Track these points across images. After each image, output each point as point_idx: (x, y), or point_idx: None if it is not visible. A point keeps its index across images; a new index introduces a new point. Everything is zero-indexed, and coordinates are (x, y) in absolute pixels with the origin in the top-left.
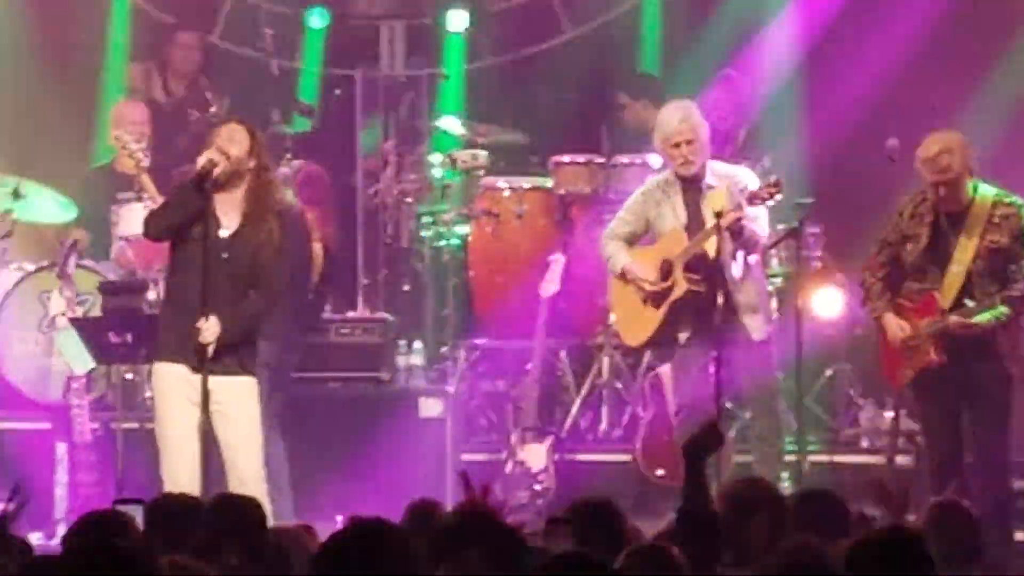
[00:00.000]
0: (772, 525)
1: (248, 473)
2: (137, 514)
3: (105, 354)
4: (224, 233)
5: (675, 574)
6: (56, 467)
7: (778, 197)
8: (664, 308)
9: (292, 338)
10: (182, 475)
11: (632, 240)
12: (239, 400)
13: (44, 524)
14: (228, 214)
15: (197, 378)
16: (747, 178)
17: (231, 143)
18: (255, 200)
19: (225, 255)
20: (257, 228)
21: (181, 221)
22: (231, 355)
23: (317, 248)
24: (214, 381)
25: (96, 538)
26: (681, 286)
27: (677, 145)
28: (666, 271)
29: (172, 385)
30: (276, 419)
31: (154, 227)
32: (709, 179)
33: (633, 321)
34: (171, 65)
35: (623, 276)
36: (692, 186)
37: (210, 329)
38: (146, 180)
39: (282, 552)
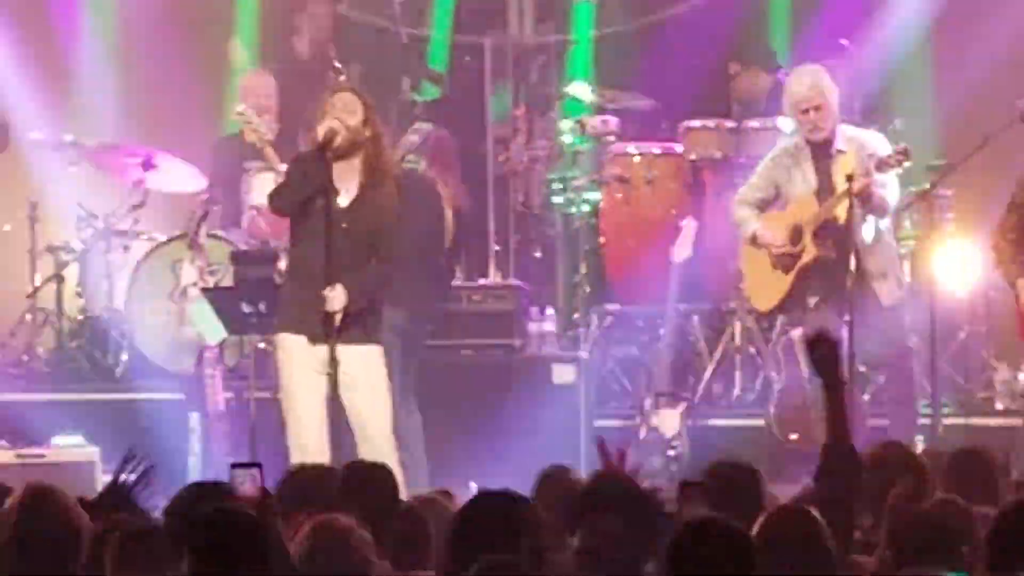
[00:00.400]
0: (915, 488)
1: (378, 440)
2: (253, 479)
3: (237, 324)
4: (343, 203)
5: (816, 538)
6: (189, 437)
7: (906, 164)
8: (793, 273)
9: (425, 306)
10: (310, 445)
11: (763, 205)
12: (365, 369)
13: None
14: (346, 184)
15: (320, 348)
16: (877, 143)
17: (348, 113)
18: (371, 169)
19: (344, 224)
20: (375, 196)
21: (306, 194)
22: (355, 324)
23: (449, 215)
24: (339, 351)
25: (201, 506)
26: (810, 251)
27: (806, 111)
28: (796, 236)
29: (296, 356)
30: (411, 388)
31: (279, 202)
32: (839, 144)
33: (763, 286)
34: (302, 33)
35: (753, 241)
36: (822, 151)
37: (337, 297)
38: (270, 153)
39: (418, 519)
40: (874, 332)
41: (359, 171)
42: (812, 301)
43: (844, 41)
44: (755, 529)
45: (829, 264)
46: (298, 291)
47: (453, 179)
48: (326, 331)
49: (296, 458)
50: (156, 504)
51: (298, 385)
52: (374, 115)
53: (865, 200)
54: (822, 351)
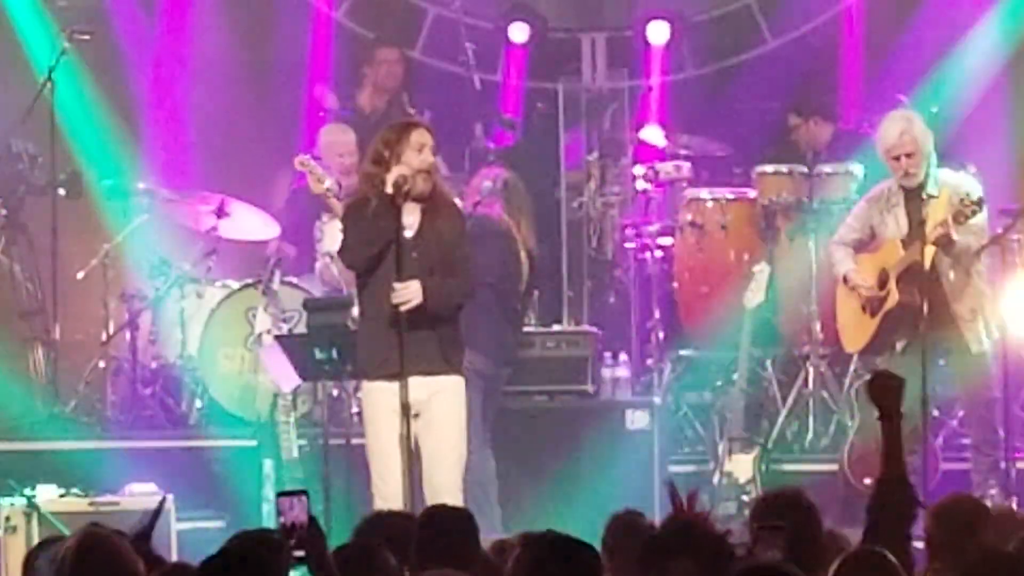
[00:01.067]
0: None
1: (445, 483)
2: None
3: (311, 371)
4: (409, 234)
5: None
6: (264, 484)
7: (980, 216)
8: (879, 316)
9: (504, 350)
10: (394, 491)
11: (858, 246)
12: (443, 401)
13: None
14: (408, 215)
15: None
16: (969, 186)
17: (429, 152)
18: (432, 198)
19: (414, 254)
20: (438, 223)
21: (380, 246)
22: (433, 350)
23: (524, 257)
24: (418, 382)
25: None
26: (894, 296)
27: (897, 158)
28: (883, 280)
29: (378, 399)
30: (489, 433)
31: (354, 258)
32: (931, 188)
33: (853, 327)
34: (374, 81)
35: (844, 282)
36: (913, 195)
37: (408, 287)
38: (334, 203)
39: (494, 567)
40: (958, 378)
41: (419, 205)
42: (900, 345)
43: (902, 97)
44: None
45: (914, 309)
46: (374, 333)
47: (526, 222)
48: (398, 351)
49: (379, 504)
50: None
51: (380, 429)
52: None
53: (945, 247)
54: (882, 382)
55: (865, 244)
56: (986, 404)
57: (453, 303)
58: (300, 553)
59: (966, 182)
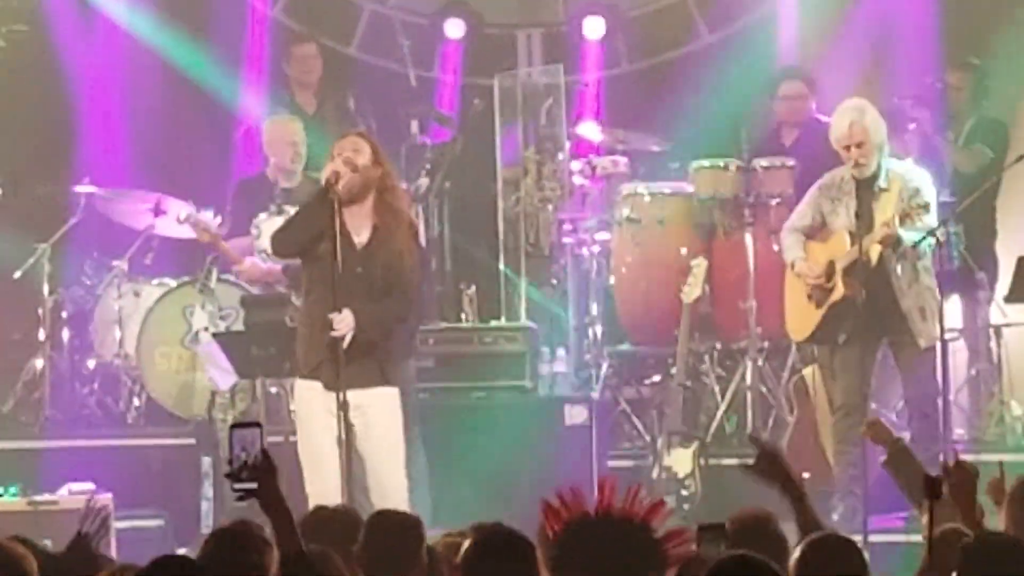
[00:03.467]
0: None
1: (391, 485)
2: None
3: (248, 368)
4: (358, 246)
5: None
6: (202, 482)
7: (926, 218)
8: (824, 308)
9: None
10: (328, 489)
11: (810, 233)
12: (380, 412)
13: (190, 539)
14: (359, 228)
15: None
16: (920, 181)
17: (354, 152)
18: (384, 211)
19: (359, 269)
20: (389, 238)
21: (307, 237)
22: (371, 366)
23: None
24: (355, 394)
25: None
26: (839, 290)
27: (848, 148)
28: (829, 272)
29: (311, 401)
30: (416, 428)
31: (280, 243)
32: (882, 181)
33: (798, 316)
34: (295, 78)
35: (792, 268)
36: (865, 187)
37: (344, 320)
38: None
39: (434, 567)
40: (905, 372)
41: (371, 214)
42: (841, 337)
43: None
44: (795, 557)
45: (858, 303)
46: (310, 337)
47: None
48: (335, 358)
49: (313, 502)
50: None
51: (313, 430)
52: (383, 156)
53: (893, 246)
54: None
55: (816, 231)
56: (931, 401)
57: (389, 325)
58: (252, 485)
59: (917, 176)
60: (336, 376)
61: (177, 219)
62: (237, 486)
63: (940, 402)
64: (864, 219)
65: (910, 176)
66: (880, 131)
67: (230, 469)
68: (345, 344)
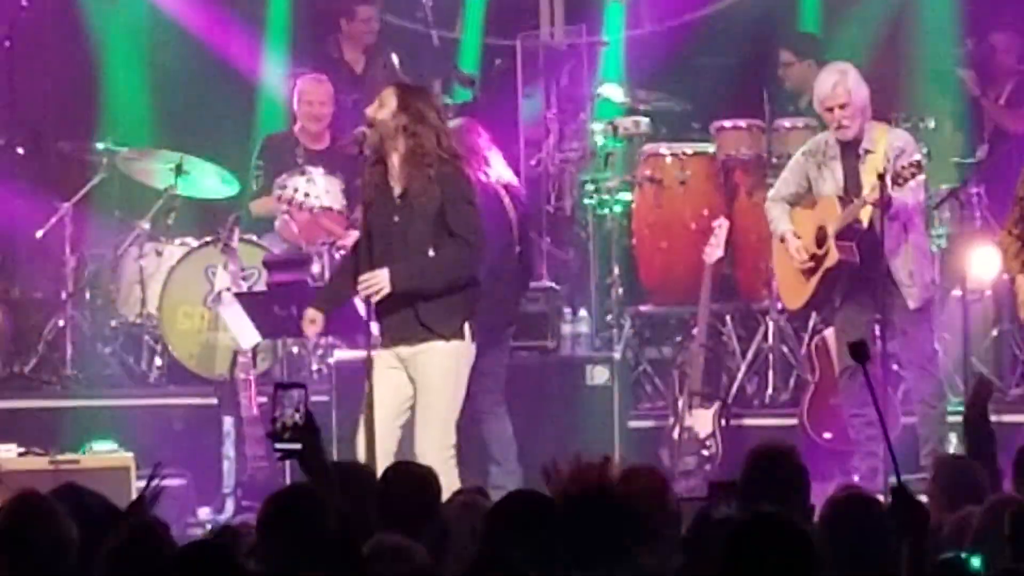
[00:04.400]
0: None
1: (426, 444)
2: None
3: (270, 328)
4: (395, 198)
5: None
6: (224, 441)
7: (920, 177)
8: (818, 275)
9: (502, 307)
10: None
11: (795, 200)
12: (425, 363)
13: (212, 499)
14: (397, 178)
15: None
16: (903, 142)
17: (378, 108)
18: (412, 156)
19: (396, 218)
20: (422, 184)
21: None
22: (410, 320)
23: (509, 208)
24: (402, 351)
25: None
26: (833, 255)
27: (831, 109)
28: (821, 238)
29: (375, 360)
30: (500, 393)
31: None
32: (866, 143)
33: (792, 285)
34: (350, 35)
35: (782, 241)
36: (849, 150)
37: (368, 281)
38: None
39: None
40: (900, 333)
41: (402, 163)
42: (837, 301)
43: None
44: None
45: (853, 267)
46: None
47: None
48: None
49: (362, 457)
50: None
51: (377, 385)
52: (414, 100)
53: (884, 207)
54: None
55: (801, 197)
56: (929, 359)
57: (441, 278)
58: (295, 446)
59: (902, 139)
60: (382, 334)
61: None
62: (279, 446)
63: (941, 359)
64: (852, 182)
65: (892, 137)
66: (863, 93)
67: (272, 428)
68: (375, 299)
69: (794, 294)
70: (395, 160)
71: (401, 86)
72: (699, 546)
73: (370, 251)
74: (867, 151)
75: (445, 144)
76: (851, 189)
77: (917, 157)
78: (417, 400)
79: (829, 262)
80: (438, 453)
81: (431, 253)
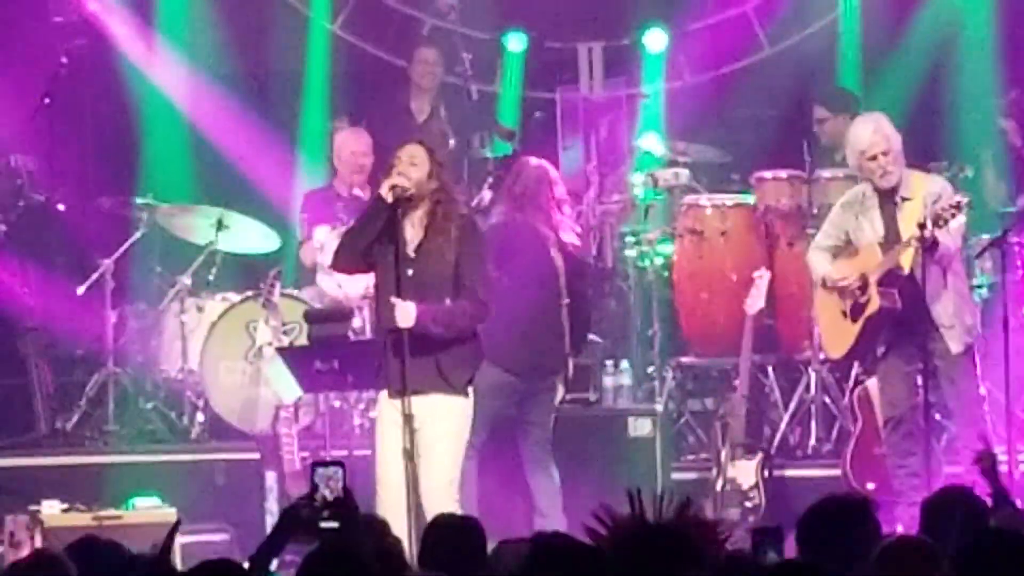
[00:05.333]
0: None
1: (439, 493)
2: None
3: (312, 382)
4: (409, 252)
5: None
6: (266, 496)
7: (961, 218)
8: (860, 322)
9: (543, 359)
10: (391, 499)
11: (836, 252)
12: (435, 420)
13: None
14: (411, 234)
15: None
16: (940, 188)
17: (412, 166)
18: (434, 217)
19: (410, 272)
20: (439, 243)
21: (363, 244)
22: (429, 369)
23: (557, 259)
24: (416, 401)
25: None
26: (874, 302)
27: (873, 157)
28: (862, 285)
29: (383, 410)
30: (548, 444)
31: (339, 257)
32: (904, 191)
33: (834, 333)
34: (413, 83)
35: (823, 284)
36: (888, 198)
37: (404, 310)
38: None
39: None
40: (944, 379)
41: (422, 221)
42: (880, 350)
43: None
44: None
45: (895, 313)
46: (380, 347)
47: (555, 211)
48: (397, 350)
49: (380, 510)
50: None
51: (383, 439)
52: (441, 168)
53: (926, 250)
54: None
55: (841, 250)
56: (975, 405)
57: (455, 326)
58: (334, 524)
59: (939, 184)
60: (401, 379)
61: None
62: (322, 525)
63: (986, 407)
64: (891, 230)
65: (930, 184)
66: (898, 139)
67: (311, 508)
68: (398, 324)
69: (837, 342)
70: (416, 217)
71: (429, 148)
72: None
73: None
74: (904, 199)
75: (456, 212)
76: (890, 237)
77: (958, 198)
78: (426, 453)
79: (871, 309)
80: (449, 507)
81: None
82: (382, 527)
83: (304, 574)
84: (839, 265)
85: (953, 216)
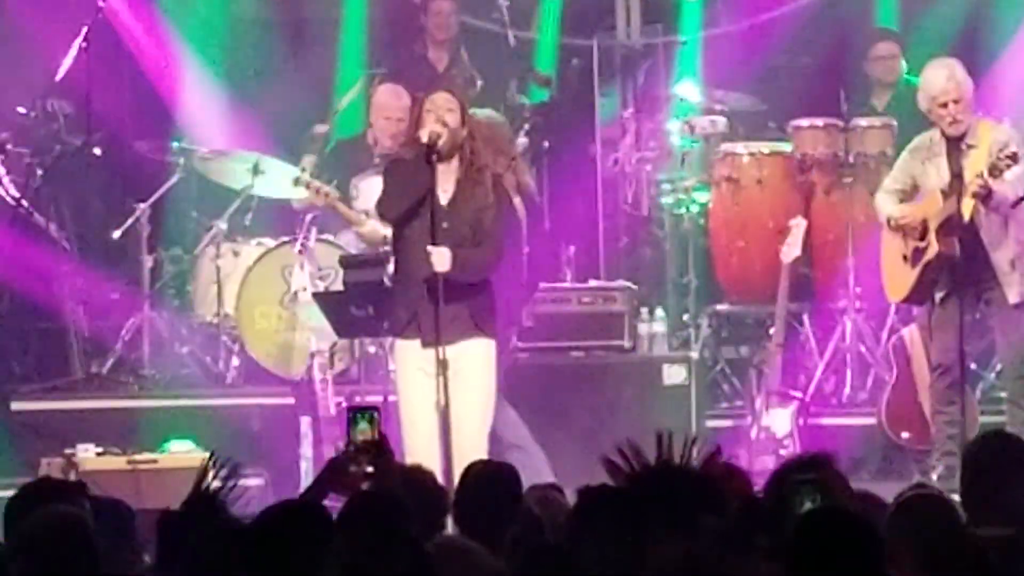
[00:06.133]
0: None
1: (469, 445)
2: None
3: (347, 328)
4: (442, 202)
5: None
6: (301, 441)
7: (1016, 169)
8: (919, 267)
9: (509, 305)
10: (420, 449)
11: (903, 197)
12: (471, 364)
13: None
14: (444, 183)
15: (431, 351)
16: (1006, 134)
17: (448, 112)
18: (468, 167)
19: (445, 224)
20: (473, 193)
21: (413, 199)
22: (463, 314)
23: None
24: (451, 350)
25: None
26: (933, 247)
27: (944, 104)
28: (923, 231)
29: (407, 361)
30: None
31: (391, 210)
32: (970, 139)
33: (895, 277)
34: (429, 32)
35: (888, 224)
36: (954, 146)
37: (442, 256)
38: (343, 208)
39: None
40: (997, 330)
41: (456, 170)
42: (938, 296)
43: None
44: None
45: (953, 260)
46: (405, 292)
47: (515, 168)
48: (431, 317)
49: (409, 460)
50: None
51: (408, 391)
52: (468, 114)
53: (984, 199)
54: None
55: (909, 195)
56: (1022, 357)
57: (479, 274)
58: (369, 469)
59: (1006, 134)
60: (434, 327)
61: (295, 181)
62: (353, 469)
63: None
64: (956, 177)
65: (996, 131)
66: (970, 87)
67: (345, 453)
68: (437, 268)
69: (896, 286)
70: (449, 167)
71: (459, 95)
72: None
73: (415, 255)
74: (970, 146)
75: (487, 160)
76: (954, 184)
77: (1013, 149)
78: (461, 399)
79: (930, 254)
80: (479, 450)
81: None
82: (423, 477)
83: (343, 516)
84: (904, 208)
85: (1008, 167)
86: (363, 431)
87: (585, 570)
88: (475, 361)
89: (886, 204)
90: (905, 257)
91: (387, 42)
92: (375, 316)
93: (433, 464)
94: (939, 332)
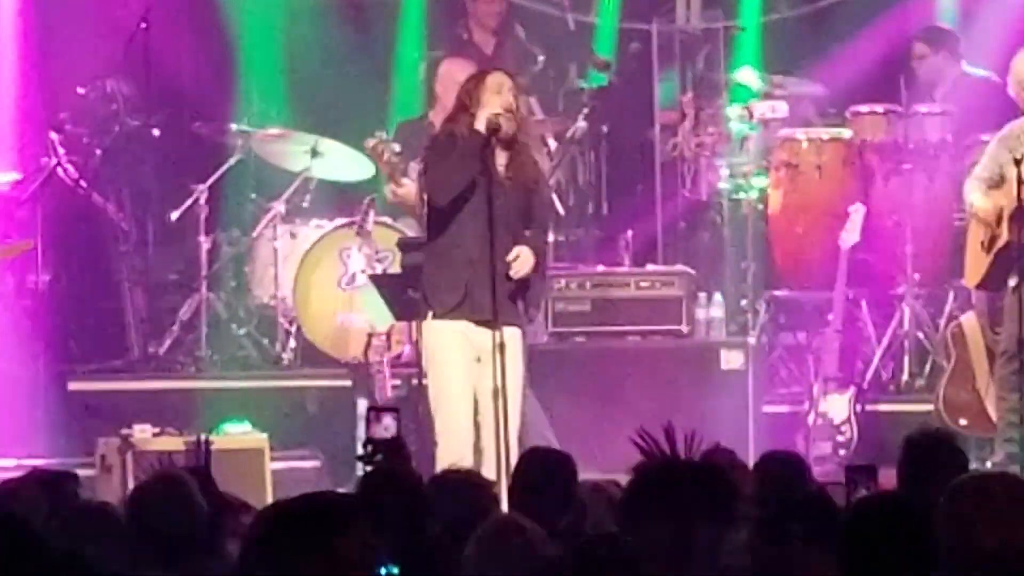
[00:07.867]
0: None
1: (509, 423)
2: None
3: (404, 310)
4: (498, 181)
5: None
6: (357, 424)
7: None
8: (992, 254)
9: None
10: (453, 433)
11: (992, 184)
12: (513, 349)
13: (346, 481)
14: (503, 164)
15: (473, 334)
16: None
17: (513, 97)
18: (515, 144)
19: (498, 201)
20: (520, 170)
21: (466, 183)
22: (513, 302)
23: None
24: (489, 334)
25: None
26: (1004, 235)
27: None
28: (998, 218)
29: (449, 342)
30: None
31: (446, 193)
32: None
33: (972, 263)
34: (476, 18)
35: (971, 211)
36: None
37: (526, 259)
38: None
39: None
40: None
41: (504, 149)
42: (1012, 281)
43: None
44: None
45: (1021, 248)
46: (450, 275)
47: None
48: (484, 303)
49: (443, 445)
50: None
51: (451, 371)
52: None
53: None
54: None
55: (997, 184)
56: None
57: (544, 259)
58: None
59: None
60: (492, 314)
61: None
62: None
63: None
64: None
65: None
66: None
67: (363, 452)
68: (522, 274)
69: (973, 272)
70: (507, 147)
71: (513, 77)
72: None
73: (465, 234)
74: None
75: (531, 137)
76: None
77: None
78: (501, 385)
79: (1001, 242)
80: (513, 433)
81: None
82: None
83: (361, 488)
84: (987, 197)
85: None
86: (386, 428)
87: (637, 554)
88: (516, 350)
89: (971, 192)
90: (983, 244)
91: (444, 24)
92: None
93: (465, 448)
94: (1008, 319)
